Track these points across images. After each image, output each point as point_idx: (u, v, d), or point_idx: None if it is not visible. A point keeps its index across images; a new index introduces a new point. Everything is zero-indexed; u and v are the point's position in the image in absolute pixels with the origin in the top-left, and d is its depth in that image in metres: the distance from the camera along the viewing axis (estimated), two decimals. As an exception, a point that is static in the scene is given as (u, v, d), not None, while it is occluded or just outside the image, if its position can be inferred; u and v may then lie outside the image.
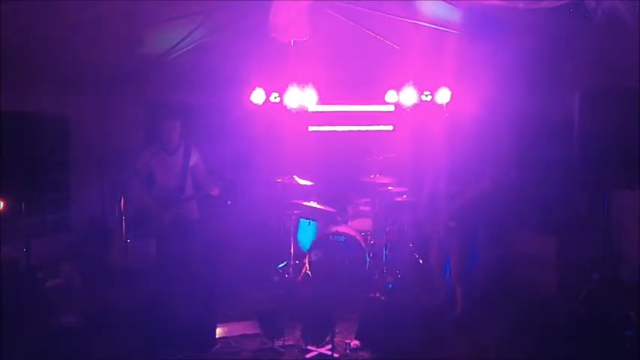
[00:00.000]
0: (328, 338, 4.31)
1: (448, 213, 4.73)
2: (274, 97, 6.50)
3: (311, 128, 7.42)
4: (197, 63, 6.05)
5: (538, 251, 5.90)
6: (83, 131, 6.51)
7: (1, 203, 5.11)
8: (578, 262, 5.44)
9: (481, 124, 5.40)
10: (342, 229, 6.17)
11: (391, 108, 7.10)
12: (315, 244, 6.13)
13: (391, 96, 6.62)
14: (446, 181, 4.79)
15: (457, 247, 4.77)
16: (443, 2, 4.54)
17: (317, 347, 4.35)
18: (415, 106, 6.58)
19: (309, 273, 6.06)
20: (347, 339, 4.58)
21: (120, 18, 4.56)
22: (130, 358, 4.08)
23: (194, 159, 5.34)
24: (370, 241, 6.36)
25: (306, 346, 4.39)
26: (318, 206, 6.37)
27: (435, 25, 5.15)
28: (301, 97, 6.08)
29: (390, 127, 7.45)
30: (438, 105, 6.56)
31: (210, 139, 6.19)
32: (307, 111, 6.70)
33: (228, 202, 5.78)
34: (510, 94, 6.53)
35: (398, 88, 6.48)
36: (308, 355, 4.30)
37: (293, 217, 6.40)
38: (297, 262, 6.29)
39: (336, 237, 6.04)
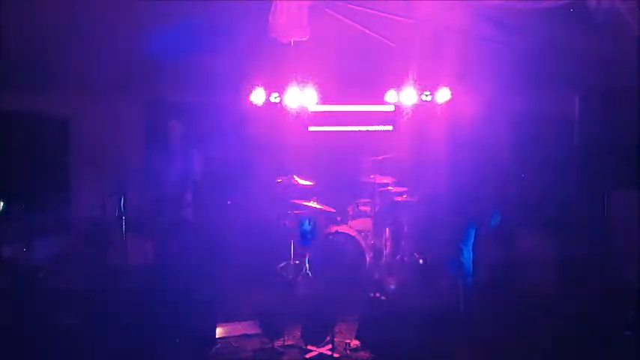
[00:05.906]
0: (328, 338, 4.31)
1: (450, 217, 4.73)
2: (274, 97, 6.49)
3: (311, 128, 7.42)
4: (197, 63, 6.04)
5: (538, 251, 5.89)
6: (83, 131, 6.51)
7: (1, 203, 5.11)
8: (578, 262, 5.44)
9: (481, 124, 5.41)
10: (342, 229, 6.17)
11: (391, 108, 7.10)
12: (315, 245, 6.13)
13: (391, 96, 6.62)
14: (446, 184, 4.79)
15: (456, 247, 4.77)
16: (443, 2, 4.54)
17: (317, 347, 4.35)
18: (415, 106, 6.58)
19: (309, 273, 6.06)
20: (347, 339, 4.58)
21: (120, 17, 4.56)
22: (129, 358, 4.08)
23: (194, 159, 5.35)
24: (370, 241, 6.36)
25: (306, 346, 4.39)
26: (318, 206, 6.37)
27: (434, 24, 5.14)
28: (301, 97, 6.08)
29: (390, 127, 7.45)
30: (438, 105, 6.56)
31: (210, 139, 6.19)
32: (307, 111, 6.70)
33: (228, 202, 5.78)
34: (510, 94, 6.52)
35: (398, 88, 6.48)
36: (308, 355, 4.30)
37: (293, 217, 6.39)
38: (297, 262, 6.29)
39: (336, 237, 6.03)
